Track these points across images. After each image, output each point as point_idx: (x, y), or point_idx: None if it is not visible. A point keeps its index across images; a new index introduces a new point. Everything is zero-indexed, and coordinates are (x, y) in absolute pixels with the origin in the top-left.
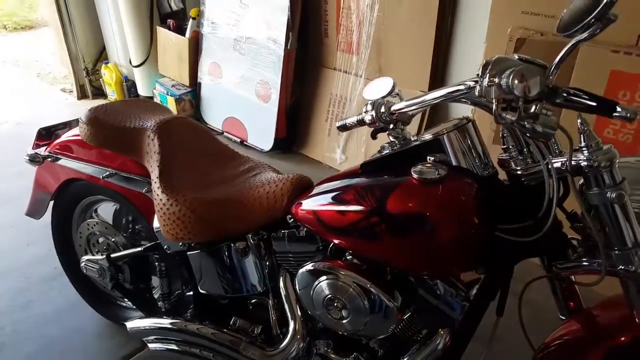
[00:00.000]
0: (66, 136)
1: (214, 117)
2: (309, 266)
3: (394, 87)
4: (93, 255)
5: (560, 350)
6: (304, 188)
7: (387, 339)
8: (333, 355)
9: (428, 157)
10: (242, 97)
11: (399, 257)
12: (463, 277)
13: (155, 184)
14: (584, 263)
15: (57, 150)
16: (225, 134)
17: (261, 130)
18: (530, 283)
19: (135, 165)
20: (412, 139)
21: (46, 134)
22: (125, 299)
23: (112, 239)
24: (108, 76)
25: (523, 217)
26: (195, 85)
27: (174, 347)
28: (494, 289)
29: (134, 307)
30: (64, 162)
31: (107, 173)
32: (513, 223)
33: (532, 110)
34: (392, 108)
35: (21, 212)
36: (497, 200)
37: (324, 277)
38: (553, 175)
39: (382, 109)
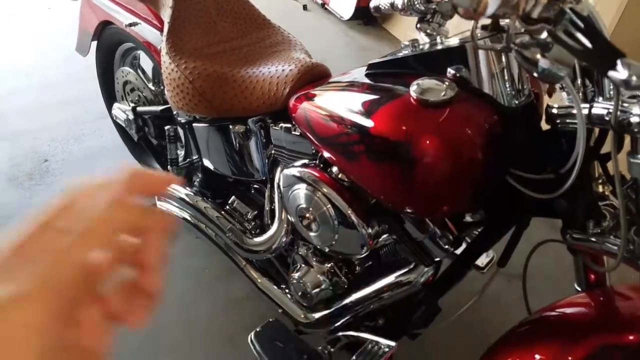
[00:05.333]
0: None
1: None
2: (293, 169)
3: None
4: (127, 103)
5: (554, 322)
6: (313, 79)
7: (368, 257)
8: (312, 258)
9: (448, 70)
10: None
11: (376, 186)
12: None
13: (163, 41)
14: (603, 241)
15: None
16: None
17: None
18: (541, 244)
19: (157, 16)
20: (440, 41)
21: None
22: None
23: (142, 93)
24: None
25: (546, 168)
26: None
27: (179, 213)
28: (492, 239)
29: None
30: (97, 1)
31: (130, 21)
32: (533, 171)
33: (544, 37)
34: None
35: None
36: (520, 140)
37: (303, 186)
38: (581, 124)
39: None
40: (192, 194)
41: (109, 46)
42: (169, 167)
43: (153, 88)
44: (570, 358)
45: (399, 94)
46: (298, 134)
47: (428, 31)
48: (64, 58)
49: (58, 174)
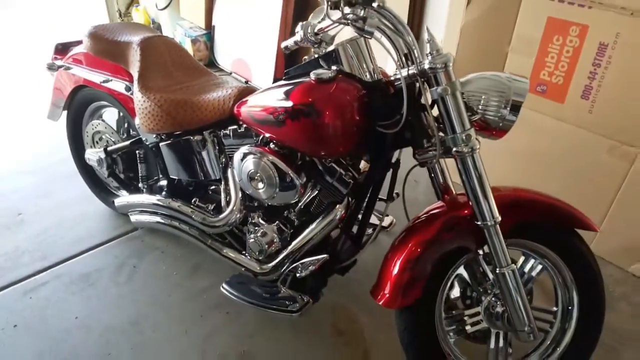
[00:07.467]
0: (77, 49)
1: (224, 58)
2: (242, 149)
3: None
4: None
5: (424, 220)
6: (248, 94)
7: (301, 213)
8: (262, 222)
9: (332, 67)
10: (247, 38)
11: (299, 140)
12: (355, 165)
13: (134, 85)
14: (430, 150)
15: (69, 61)
16: (233, 74)
17: (263, 71)
18: (410, 170)
19: (125, 73)
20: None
21: (62, 49)
22: (120, 188)
23: (111, 138)
24: (138, 19)
25: (395, 114)
26: (210, 28)
27: (151, 218)
28: (379, 173)
29: (126, 193)
30: (74, 70)
31: (104, 78)
32: (389, 119)
33: (361, 14)
34: (316, 29)
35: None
36: (378, 102)
37: (251, 157)
38: (402, 78)
39: (309, 30)
40: (163, 198)
41: (78, 108)
42: (140, 184)
43: (117, 136)
44: (429, 229)
45: (304, 80)
46: (243, 130)
47: (320, 53)
48: None
49: (32, 222)
